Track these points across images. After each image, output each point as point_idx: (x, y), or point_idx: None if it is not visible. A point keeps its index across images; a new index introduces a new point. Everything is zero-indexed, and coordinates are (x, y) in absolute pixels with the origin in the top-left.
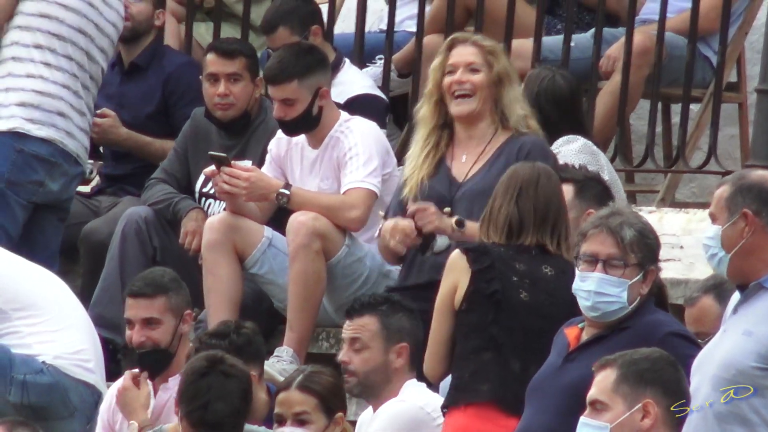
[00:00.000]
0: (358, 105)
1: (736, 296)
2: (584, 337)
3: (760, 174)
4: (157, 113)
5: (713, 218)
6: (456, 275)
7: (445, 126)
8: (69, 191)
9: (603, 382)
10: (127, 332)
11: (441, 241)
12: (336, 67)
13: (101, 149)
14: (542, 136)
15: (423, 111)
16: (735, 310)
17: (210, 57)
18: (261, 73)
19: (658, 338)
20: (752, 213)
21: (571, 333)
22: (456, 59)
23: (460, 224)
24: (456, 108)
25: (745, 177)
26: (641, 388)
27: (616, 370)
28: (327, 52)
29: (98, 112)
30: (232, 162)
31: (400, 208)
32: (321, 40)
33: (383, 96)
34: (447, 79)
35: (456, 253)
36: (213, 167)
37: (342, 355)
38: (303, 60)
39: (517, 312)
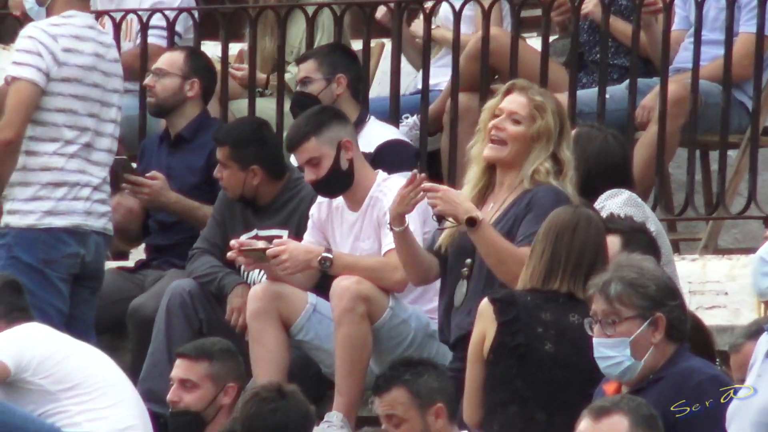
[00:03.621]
0: (387, 152)
1: (764, 340)
2: (623, 391)
3: None
4: (201, 183)
5: None
6: (484, 324)
7: (490, 167)
8: (99, 260)
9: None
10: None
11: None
12: (361, 122)
13: (149, 222)
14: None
15: (474, 149)
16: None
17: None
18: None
19: (691, 386)
20: None
21: (610, 388)
22: (504, 105)
23: (471, 223)
24: (486, 152)
25: None
26: None
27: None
28: (352, 110)
29: (147, 175)
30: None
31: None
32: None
33: (411, 143)
34: (492, 122)
35: (485, 302)
36: (242, 258)
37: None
38: (315, 117)
39: (541, 365)
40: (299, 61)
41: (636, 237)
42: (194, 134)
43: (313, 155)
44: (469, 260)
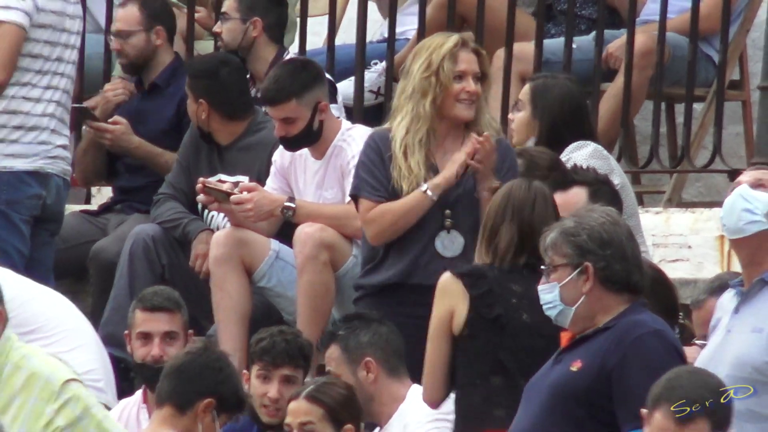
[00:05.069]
0: None
1: (727, 296)
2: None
3: None
4: (170, 130)
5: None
6: (452, 300)
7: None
8: (60, 203)
9: None
10: (138, 347)
11: None
12: (280, 58)
13: (117, 164)
14: (502, 134)
15: (428, 107)
16: (737, 310)
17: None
18: None
19: (631, 339)
20: None
21: (565, 336)
22: (466, 67)
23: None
24: (465, 112)
25: None
26: None
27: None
28: (269, 52)
29: (110, 120)
30: (224, 181)
31: (380, 187)
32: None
33: (329, 77)
34: (457, 85)
35: (449, 278)
36: (203, 196)
37: None
38: (299, 77)
39: (520, 334)
40: None
41: (602, 189)
42: (168, 82)
43: (290, 116)
44: (448, 211)
